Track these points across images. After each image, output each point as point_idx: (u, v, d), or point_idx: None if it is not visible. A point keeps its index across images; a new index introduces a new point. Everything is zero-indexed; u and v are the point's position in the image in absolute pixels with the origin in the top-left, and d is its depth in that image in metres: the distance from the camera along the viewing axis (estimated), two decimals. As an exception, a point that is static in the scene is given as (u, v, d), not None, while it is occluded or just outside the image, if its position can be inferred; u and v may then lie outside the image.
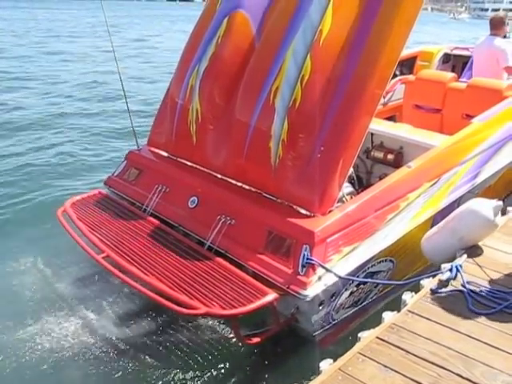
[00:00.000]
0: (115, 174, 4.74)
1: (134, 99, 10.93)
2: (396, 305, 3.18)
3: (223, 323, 3.68)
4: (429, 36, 27.40)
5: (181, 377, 3.34)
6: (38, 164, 7.20)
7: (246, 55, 3.88)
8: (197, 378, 3.33)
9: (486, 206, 3.55)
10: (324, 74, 3.47)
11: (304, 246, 3.28)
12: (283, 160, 3.59)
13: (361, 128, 3.53)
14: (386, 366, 2.51)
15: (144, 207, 4.21)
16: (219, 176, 4.11)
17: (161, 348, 3.58)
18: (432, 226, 3.90)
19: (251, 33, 3.91)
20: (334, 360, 2.56)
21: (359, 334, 2.78)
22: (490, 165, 4.58)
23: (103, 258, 3.54)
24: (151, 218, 4.05)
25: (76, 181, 6.66)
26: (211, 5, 4.28)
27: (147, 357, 3.50)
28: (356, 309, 3.70)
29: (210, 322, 3.70)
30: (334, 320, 3.54)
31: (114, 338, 3.62)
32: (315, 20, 3.49)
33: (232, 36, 3.95)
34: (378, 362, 2.54)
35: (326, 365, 2.54)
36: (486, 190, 4.56)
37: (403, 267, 3.92)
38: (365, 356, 2.58)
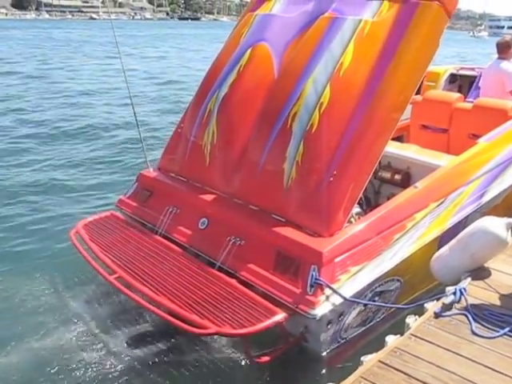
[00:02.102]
0: (127, 196, 4.85)
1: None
2: (400, 328, 3.20)
3: (232, 343, 3.71)
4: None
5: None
6: (52, 183, 7.35)
7: (264, 85, 4.08)
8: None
9: (498, 224, 3.60)
10: (342, 102, 3.66)
11: (312, 267, 3.35)
12: (296, 181, 3.69)
13: (374, 155, 3.72)
14: (388, 391, 2.54)
15: (155, 229, 4.30)
16: (229, 197, 4.19)
17: (170, 368, 3.62)
18: (439, 246, 3.93)
19: (272, 65, 4.13)
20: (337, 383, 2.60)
21: (362, 358, 2.81)
22: (496, 184, 4.60)
23: (115, 278, 3.63)
24: (162, 239, 4.13)
25: (88, 201, 6.78)
26: (236, 36, 4.51)
27: (157, 376, 3.54)
28: (364, 328, 3.75)
29: (220, 342, 3.72)
30: (342, 339, 3.59)
31: (124, 357, 3.68)
32: (337, 54, 3.74)
33: (254, 66, 4.16)
34: (380, 387, 2.58)
35: (328, 388, 2.57)
36: (492, 210, 4.58)
37: (410, 287, 3.96)
38: (367, 380, 2.61)
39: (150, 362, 3.65)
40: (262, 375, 3.54)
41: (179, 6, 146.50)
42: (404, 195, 3.96)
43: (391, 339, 2.97)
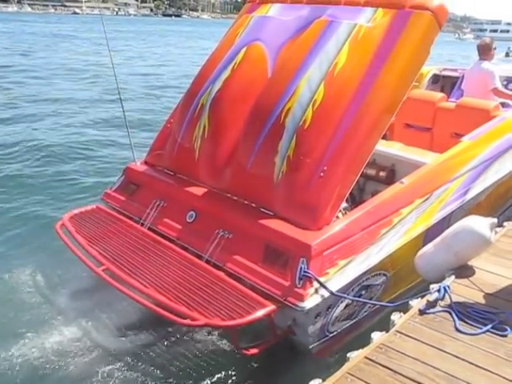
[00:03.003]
0: (113, 189, 4.81)
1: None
2: (385, 324, 3.23)
3: (220, 335, 3.74)
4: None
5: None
6: (34, 177, 7.27)
7: (258, 82, 4.14)
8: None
9: (482, 224, 3.66)
10: (335, 101, 3.74)
11: (301, 259, 3.37)
12: (286, 175, 3.72)
13: (364, 154, 3.77)
14: (374, 386, 2.56)
15: (142, 221, 4.27)
16: (217, 190, 4.19)
17: (158, 360, 3.65)
18: (424, 242, 4.01)
19: (266, 64, 4.21)
20: (323, 380, 2.61)
21: (348, 354, 2.83)
22: (479, 182, 4.68)
23: (103, 270, 3.61)
24: (149, 232, 4.11)
25: (73, 195, 6.72)
26: (232, 35, 4.57)
27: (145, 368, 3.57)
28: (351, 322, 3.78)
29: (207, 335, 3.75)
30: (329, 332, 3.62)
31: (112, 350, 3.68)
32: (332, 54, 3.83)
33: (248, 64, 4.23)
34: (366, 382, 2.59)
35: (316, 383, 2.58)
36: (475, 207, 4.65)
37: (396, 281, 4.01)
38: (353, 376, 2.63)
39: (138, 354, 3.67)
40: (248, 367, 3.58)
41: (163, 3, 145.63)
42: (391, 191, 3.99)
43: (377, 336, 3.00)
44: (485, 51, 6.09)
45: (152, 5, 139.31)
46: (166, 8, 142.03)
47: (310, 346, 3.56)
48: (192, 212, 4.08)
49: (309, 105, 3.73)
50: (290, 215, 3.70)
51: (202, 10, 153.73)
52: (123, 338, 3.81)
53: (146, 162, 4.87)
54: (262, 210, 3.86)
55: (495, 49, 6.32)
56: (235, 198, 4.06)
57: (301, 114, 3.73)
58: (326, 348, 3.67)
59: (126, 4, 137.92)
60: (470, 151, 4.64)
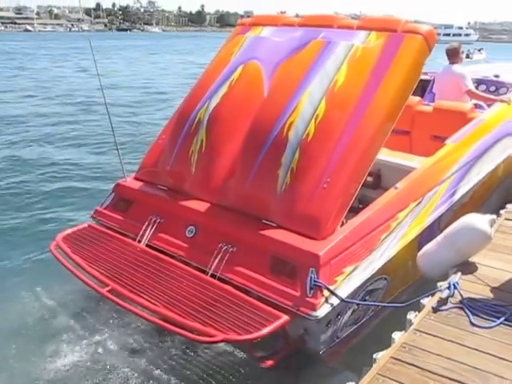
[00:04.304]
0: (103, 206, 4.72)
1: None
2: (397, 323, 3.31)
3: (228, 347, 3.73)
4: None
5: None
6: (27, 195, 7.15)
7: (255, 99, 4.26)
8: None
9: (482, 220, 3.78)
10: (336, 116, 3.87)
11: (310, 269, 3.39)
12: (290, 187, 3.76)
13: (364, 165, 3.89)
14: (406, 385, 2.61)
15: (138, 239, 4.21)
16: (215, 204, 4.17)
17: (166, 375, 3.60)
18: (418, 244, 4.12)
19: (262, 81, 4.34)
20: (356, 383, 2.63)
21: (374, 356, 2.88)
22: (464, 183, 4.83)
23: (108, 291, 3.54)
24: (148, 249, 4.06)
25: (63, 214, 6.63)
26: (227, 54, 4.69)
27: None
28: (356, 326, 3.84)
29: (216, 347, 3.73)
30: (338, 338, 3.66)
31: (120, 366, 3.62)
32: (331, 72, 4.00)
33: (245, 81, 4.34)
34: (397, 381, 2.65)
35: (349, 387, 2.61)
36: (461, 207, 4.79)
37: (395, 283, 4.09)
38: (384, 376, 2.68)
39: (147, 370, 3.62)
40: (258, 375, 3.56)
41: (117, 17, 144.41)
42: (387, 196, 4.07)
43: (397, 335, 3.05)
44: (454, 55, 6.29)
45: (106, 20, 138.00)
46: (120, 23, 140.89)
47: (321, 352, 3.58)
48: (191, 227, 4.05)
49: (311, 119, 3.83)
50: (295, 226, 3.73)
51: (157, 24, 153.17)
52: (130, 355, 3.75)
53: (136, 178, 4.81)
54: (264, 221, 3.87)
55: (463, 52, 6.56)
56: (235, 210, 4.05)
57: (304, 128, 3.82)
58: (334, 352, 3.70)
59: (79, 20, 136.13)
60: (455, 154, 4.78)
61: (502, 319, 3.15)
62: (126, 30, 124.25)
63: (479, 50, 29.82)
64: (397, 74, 4.05)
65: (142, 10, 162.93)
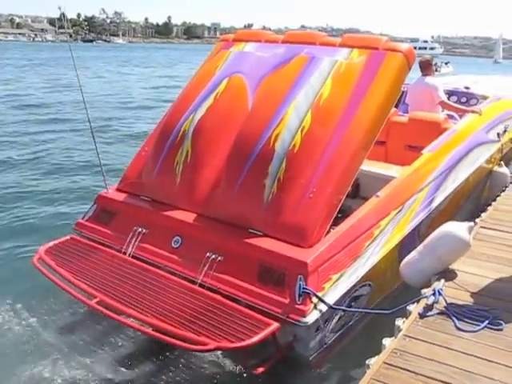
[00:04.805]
0: (85, 219, 4.68)
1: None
2: (384, 328, 3.40)
3: (221, 356, 3.75)
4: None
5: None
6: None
7: (240, 111, 4.38)
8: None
9: (461, 228, 3.92)
10: (322, 128, 4.00)
11: (299, 277, 3.46)
12: (277, 196, 3.83)
13: (350, 175, 4.02)
14: (401, 389, 2.68)
15: (123, 250, 4.19)
16: (200, 214, 4.19)
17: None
18: (399, 251, 4.25)
19: (247, 94, 4.47)
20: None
21: (367, 361, 2.95)
22: (441, 190, 4.99)
23: (97, 303, 3.52)
24: (134, 260, 4.05)
25: (42, 227, 6.54)
26: (211, 68, 4.79)
27: None
28: (342, 331, 3.92)
29: (207, 357, 3.74)
30: (325, 344, 3.73)
31: (110, 381, 3.60)
32: (316, 86, 4.14)
33: (230, 94, 4.44)
34: (392, 386, 2.71)
35: (345, 393, 2.66)
36: (439, 214, 4.95)
37: (378, 289, 4.20)
38: (379, 381, 2.75)
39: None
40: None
41: (83, 28, 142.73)
42: (369, 204, 4.18)
43: (387, 341, 3.13)
44: (426, 67, 6.50)
45: (71, 30, 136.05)
46: (85, 34, 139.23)
47: (310, 359, 3.64)
48: (177, 237, 4.07)
49: (297, 131, 3.94)
50: (281, 234, 3.79)
51: (123, 35, 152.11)
52: (118, 368, 3.72)
53: (119, 190, 4.79)
54: (251, 230, 3.92)
55: (435, 64, 6.80)
56: (221, 219, 4.08)
57: (290, 139, 3.91)
58: (322, 359, 3.78)
59: (42, 30, 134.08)
60: (431, 163, 4.95)
61: (485, 323, 3.27)
62: (91, 41, 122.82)
63: (446, 64, 30.74)
64: (379, 89, 4.22)
65: (108, 20, 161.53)
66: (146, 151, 4.81)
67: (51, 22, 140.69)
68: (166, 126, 4.60)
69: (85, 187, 8.20)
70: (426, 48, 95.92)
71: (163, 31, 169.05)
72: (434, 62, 6.83)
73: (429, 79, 6.39)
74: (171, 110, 4.80)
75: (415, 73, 6.14)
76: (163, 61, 50.17)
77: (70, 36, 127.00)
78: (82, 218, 4.70)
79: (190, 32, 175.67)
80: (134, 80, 28.51)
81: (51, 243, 4.34)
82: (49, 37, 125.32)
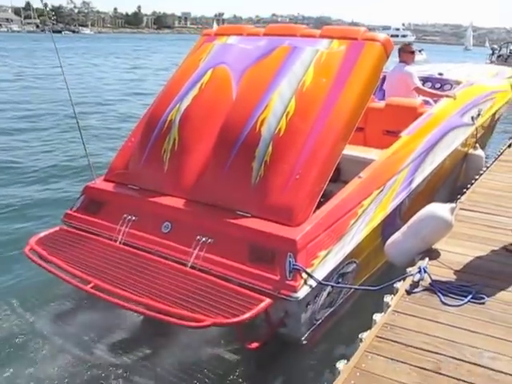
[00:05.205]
0: (73, 209, 4.71)
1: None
2: (372, 307, 3.56)
3: (214, 337, 3.84)
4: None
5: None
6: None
7: (224, 100, 4.53)
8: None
9: (443, 209, 4.09)
10: (306, 113, 4.17)
11: (288, 254, 3.59)
12: (264, 178, 3.98)
13: (334, 156, 4.17)
14: (392, 359, 2.85)
15: (114, 238, 4.25)
16: (188, 199, 4.29)
17: (152, 369, 3.70)
18: (382, 230, 4.45)
19: (231, 84, 4.62)
20: (348, 360, 2.84)
21: (359, 335, 3.09)
22: (420, 172, 5.19)
23: (92, 287, 3.60)
24: (125, 247, 4.12)
25: (29, 220, 6.49)
26: (195, 60, 4.94)
27: (139, 379, 3.62)
28: (331, 309, 4.08)
29: (201, 340, 3.83)
30: (316, 320, 3.89)
31: (107, 367, 3.66)
32: (299, 74, 4.33)
33: (215, 84, 4.58)
34: (384, 357, 2.88)
35: (341, 365, 2.81)
36: (418, 195, 5.16)
37: (363, 267, 4.38)
38: (372, 353, 2.91)
39: (134, 368, 3.68)
40: (245, 367, 3.74)
41: (50, 18, 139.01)
42: (352, 185, 4.34)
43: (378, 317, 3.29)
44: (404, 54, 6.70)
45: (37, 21, 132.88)
46: (53, 24, 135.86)
47: (302, 336, 3.79)
48: (167, 223, 4.15)
49: (282, 115, 4.09)
50: (270, 214, 3.92)
51: (92, 25, 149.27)
52: (115, 354, 3.79)
53: (106, 180, 4.83)
54: (239, 212, 4.03)
55: (415, 52, 6.97)
56: (209, 203, 4.18)
57: (276, 124, 4.06)
58: (313, 336, 3.92)
59: (7, 20, 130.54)
60: (410, 145, 5.13)
61: (469, 297, 3.46)
62: (59, 31, 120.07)
63: (420, 51, 31.10)
64: (359, 77, 4.39)
65: (76, 10, 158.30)
66: (133, 142, 4.88)
67: (16, 11, 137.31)
68: (153, 116, 4.68)
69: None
70: (397, 36, 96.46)
71: (133, 21, 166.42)
72: (413, 50, 6.96)
73: (405, 66, 6.56)
74: (157, 101, 4.90)
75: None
76: (133, 52, 49.46)
77: (37, 26, 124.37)
78: (71, 209, 4.73)
79: (161, 22, 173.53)
80: (104, 72, 28.07)
81: (41, 234, 4.36)
82: (15, 27, 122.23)
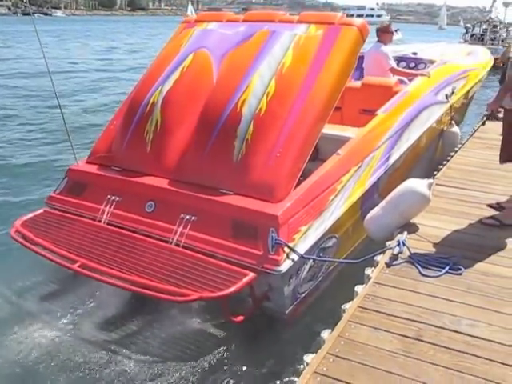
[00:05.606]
0: (57, 192, 4.72)
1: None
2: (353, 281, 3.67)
3: (199, 314, 3.95)
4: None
5: (162, 369, 3.55)
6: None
7: (205, 83, 4.62)
8: (183, 370, 3.56)
9: (421, 184, 4.21)
10: (285, 93, 4.27)
11: (270, 229, 3.68)
12: (245, 156, 4.06)
13: (313, 135, 4.28)
14: (375, 328, 2.97)
15: (98, 218, 4.28)
16: (171, 179, 4.34)
17: (143, 345, 3.78)
18: (361, 205, 4.57)
19: (212, 67, 4.71)
20: (332, 329, 2.95)
21: (342, 306, 3.22)
22: (396, 148, 5.31)
23: (79, 266, 3.66)
24: (110, 227, 4.17)
25: (13, 204, 6.50)
26: (176, 45, 5.03)
27: (131, 355, 3.67)
28: (313, 283, 4.19)
29: (188, 316, 3.93)
30: (299, 294, 4.00)
31: (95, 343, 3.73)
32: (278, 56, 4.46)
33: (196, 67, 4.66)
34: (367, 326, 3.00)
35: (326, 334, 2.92)
36: (396, 171, 5.28)
37: (344, 242, 4.50)
38: (355, 323, 3.02)
39: (124, 342, 3.77)
40: (231, 343, 3.80)
41: (22, 1, 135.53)
42: (331, 162, 4.44)
43: (359, 288, 3.41)
44: (383, 34, 6.79)
45: (9, 3, 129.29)
46: (25, 6, 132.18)
47: (286, 310, 3.89)
48: (150, 202, 4.20)
49: (263, 96, 4.19)
50: (251, 191, 4.00)
51: (65, 7, 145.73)
52: (105, 331, 3.87)
53: (89, 162, 4.84)
54: (222, 190, 4.10)
55: (395, 31, 7.04)
56: (192, 182, 4.23)
57: (256, 104, 4.15)
58: (297, 309, 4.04)
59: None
60: (386, 123, 5.24)
61: (446, 269, 3.60)
62: (29, 14, 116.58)
63: (396, 31, 31.17)
64: (336, 59, 4.52)
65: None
66: (115, 124, 4.90)
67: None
68: (135, 99, 4.72)
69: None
70: (372, 16, 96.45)
71: (107, 3, 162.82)
72: (391, 30, 7.03)
73: (382, 47, 6.65)
74: (139, 84, 4.95)
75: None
76: (108, 34, 48.61)
77: (9, 9, 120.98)
78: (54, 192, 4.74)
79: (134, 4, 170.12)
80: (80, 54, 27.61)
81: (26, 217, 4.37)
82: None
